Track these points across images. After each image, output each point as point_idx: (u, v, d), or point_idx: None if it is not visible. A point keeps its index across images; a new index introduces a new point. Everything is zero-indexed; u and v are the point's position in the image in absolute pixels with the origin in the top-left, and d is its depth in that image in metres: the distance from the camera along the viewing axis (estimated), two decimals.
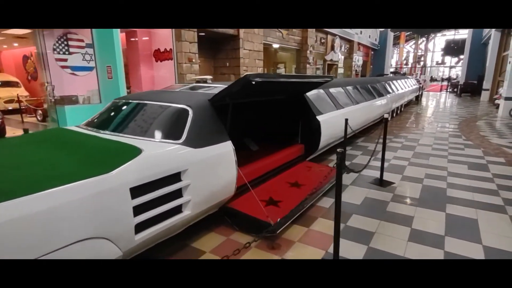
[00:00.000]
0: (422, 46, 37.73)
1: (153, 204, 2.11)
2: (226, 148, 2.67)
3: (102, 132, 2.68)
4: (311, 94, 4.77)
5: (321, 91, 5.21)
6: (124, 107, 2.96)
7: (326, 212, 3.35)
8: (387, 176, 4.36)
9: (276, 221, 2.71)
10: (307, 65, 14.95)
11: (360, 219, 3.18)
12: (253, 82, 2.49)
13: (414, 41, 37.53)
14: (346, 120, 4.58)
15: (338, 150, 2.13)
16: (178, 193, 2.30)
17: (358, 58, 22.90)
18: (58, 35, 6.93)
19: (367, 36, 24.22)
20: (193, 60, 8.24)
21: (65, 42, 7.00)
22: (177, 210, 2.32)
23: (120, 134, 2.56)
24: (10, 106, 12.19)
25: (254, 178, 3.59)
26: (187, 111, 2.61)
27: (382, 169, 4.18)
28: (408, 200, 3.61)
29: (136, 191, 1.95)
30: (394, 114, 10.57)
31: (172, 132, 2.47)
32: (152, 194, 2.07)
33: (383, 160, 4.15)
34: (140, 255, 2.25)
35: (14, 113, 11.63)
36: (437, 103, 15.83)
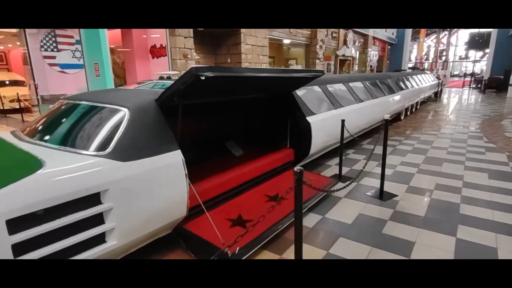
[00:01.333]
0: (444, 40, 35.88)
1: (56, 236, 1.63)
2: (172, 160, 2.16)
3: (26, 140, 2.23)
4: (303, 91, 4.19)
5: (317, 88, 4.61)
6: (61, 110, 2.51)
7: (308, 233, 2.78)
8: (389, 187, 3.73)
9: (234, 250, 2.19)
10: (317, 61, 14.23)
11: (347, 244, 2.60)
12: (202, 78, 1.96)
13: (435, 35, 35.67)
14: (343, 121, 3.97)
15: (295, 169, 1.58)
16: (98, 219, 1.81)
17: (373, 53, 21.85)
18: (46, 31, 6.65)
19: (383, 30, 23.07)
20: (188, 56, 7.79)
21: (53, 39, 6.71)
22: (98, 240, 1.83)
23: (42, 143, 2.10)
24: (17, 105, 12.22)
25: (227, 191, 3.07)
26: (122, 113, 2.12)
27: (382, 178, 3.55)
28: (410, 219, 2.99)
29: (19, 223, 1.48)
30: (408, 113, 9.75)
31: (98, 140, 1.98)
32: (49, 225, 1.59)
33: (383, 168, 3.53)
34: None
35: (20, 112, 11.61)
36: (459, 100, 14.72)
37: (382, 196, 3.51)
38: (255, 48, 10.30)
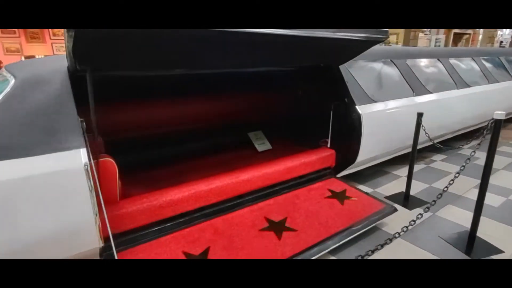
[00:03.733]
0: None
1: None
2: (63, 165, 1.34)
3: None
4: (359, 66, 2.86)
5: (388, 63, 3.17)
6: None
7: None
8: (489, 230, 2.23)
9: None
10: (420, 34, 11.50)
11: None
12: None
13: None
14: (420, 115, 2.54)
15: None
16: None
17: None
18: None
19: None
20: None
21: None
22: None
23: None
24: None
25: (210, 204, 2.16)
26: (5, 84, 1.39)
27: (477, 212, 2.08)
28: None
29: None
30: None
31: None
32: None
33: (482, 193, 2.05)
34: None
35: None
36: None
37: (472, 247, 2.07)
38: None
